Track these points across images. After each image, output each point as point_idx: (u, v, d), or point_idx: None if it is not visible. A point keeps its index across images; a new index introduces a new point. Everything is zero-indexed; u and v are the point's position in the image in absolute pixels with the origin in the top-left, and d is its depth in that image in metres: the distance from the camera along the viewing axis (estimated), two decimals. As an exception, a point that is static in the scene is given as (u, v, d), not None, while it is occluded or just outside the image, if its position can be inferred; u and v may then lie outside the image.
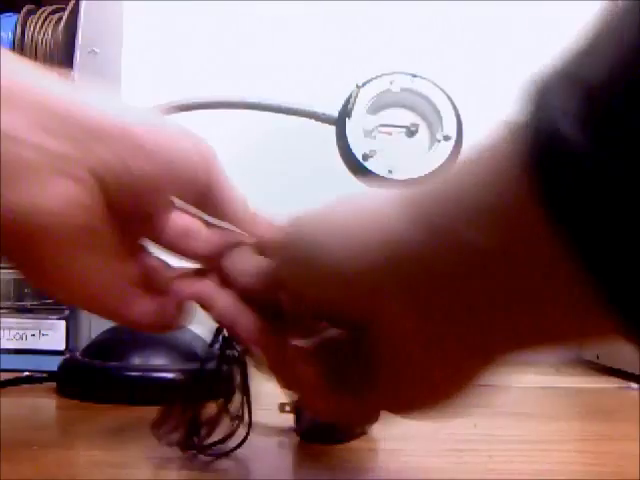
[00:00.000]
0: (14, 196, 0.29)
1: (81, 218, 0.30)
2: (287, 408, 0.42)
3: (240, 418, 0.36)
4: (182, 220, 0.36)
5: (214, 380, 0.36)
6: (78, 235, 0.31)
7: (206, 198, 0.35)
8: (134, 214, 0.34)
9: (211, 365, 0.36)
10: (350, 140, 0.64)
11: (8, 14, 0.79)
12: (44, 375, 0.57)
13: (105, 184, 0.31)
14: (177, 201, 0.36)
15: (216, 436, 0.36)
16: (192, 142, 0.34)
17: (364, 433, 0.42)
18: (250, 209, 0.36)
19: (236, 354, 0.36)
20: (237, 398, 0.36)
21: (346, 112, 0.64)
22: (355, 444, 0.40)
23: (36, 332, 0.64)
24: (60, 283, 0.33)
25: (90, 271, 0.32)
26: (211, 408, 0.36)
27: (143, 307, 0.35)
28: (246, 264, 0.34)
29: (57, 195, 0.29)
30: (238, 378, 0.37)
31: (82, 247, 0.31)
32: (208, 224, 0.36)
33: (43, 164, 0.29)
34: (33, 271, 0.32)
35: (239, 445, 0.36)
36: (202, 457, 0.36)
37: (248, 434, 0.36)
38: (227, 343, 0.36)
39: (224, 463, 0.36)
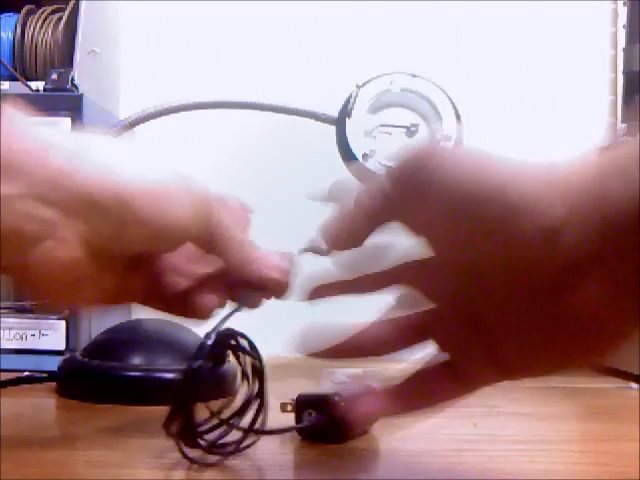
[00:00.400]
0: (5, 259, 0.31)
1: (64, 272, 0.32)
2: (288, 408, 0.42)
3: (254, 420, 0.37)
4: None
5: (218, 379, 0.36)
6: (62, 283, 0.33)
7: (210, 246, 0.37)
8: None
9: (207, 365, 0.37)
10: (350, 140, 0.64)
11: (8, 14, 0.79)
12: (44, 375, 0.57)
13: (93, 247, 0.33)
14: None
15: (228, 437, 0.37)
16: (189, 198, 0.34)
17: (365, 433, 0.42)
18: (255, 253, 0.38)
19: (257, 362, 0.37)
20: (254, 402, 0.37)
21: (346, 112, 0.64)
22: (355, 444, 0.40)
23: (36, 332, 0.64)
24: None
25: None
26: (217, 407, 0.36)
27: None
28: None
29: (42, 256, 0.31)
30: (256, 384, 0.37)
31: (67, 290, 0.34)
32: None
33: (31, 230, 0.31)
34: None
35: (249, 445, 0.37)
36: (203, 456, 0.36)
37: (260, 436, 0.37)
38: (225, 343, 0.36)
39: (225, 463, 0.36)
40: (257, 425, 0.37)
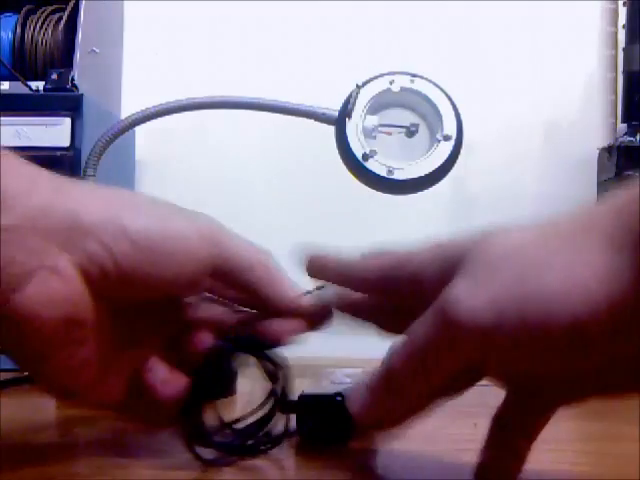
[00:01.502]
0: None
1: (61, 311, 0.30)
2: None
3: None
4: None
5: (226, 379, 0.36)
6: (59, 327, 0.30)
7: (234, 280, 0.35)
8: (134, 305, 0.33)
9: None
10: (350, 140, 0.65)
11: (8, 14, 0.79)
12: (44, 375, 0.57)
13: (91, 275, 0.30)
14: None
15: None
16: (194, 227, 0.33)
17: (365, 433, 0.42)
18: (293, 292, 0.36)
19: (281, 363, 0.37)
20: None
21: (346, 112, 0.65)
22: (355, 444, 0.40)
23: (36, 332, 0.64)
24: (45, 374, 0.32)
25: (76, 362, 0.32)
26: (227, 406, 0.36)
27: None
28: None
29: (35, 290, 0.29)
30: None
31: (65, 339, 0.31)
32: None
33: (21, 262, 0.29)
34: (23, 361, 0.32)
35: (272, 447, 0.37)
36: (204, 457, 0.36)
37: (283, 437, 0.37)
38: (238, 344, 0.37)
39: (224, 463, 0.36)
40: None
